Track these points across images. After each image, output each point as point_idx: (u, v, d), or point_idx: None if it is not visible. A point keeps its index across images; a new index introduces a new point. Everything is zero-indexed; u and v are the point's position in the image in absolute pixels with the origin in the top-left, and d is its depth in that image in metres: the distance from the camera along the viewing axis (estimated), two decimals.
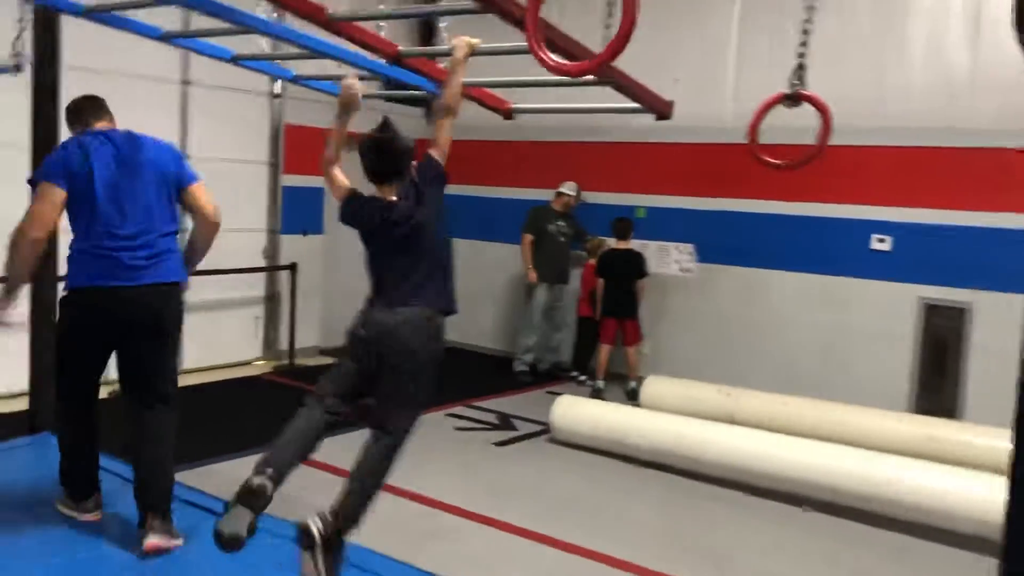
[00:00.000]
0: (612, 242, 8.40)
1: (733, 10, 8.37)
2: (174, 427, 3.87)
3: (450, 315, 3.69)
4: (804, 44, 3.91)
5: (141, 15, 4.37)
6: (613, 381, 8.26)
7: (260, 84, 8.50)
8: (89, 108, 3.89)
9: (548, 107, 5.80)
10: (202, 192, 3.93)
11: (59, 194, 3.55)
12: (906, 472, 5.15)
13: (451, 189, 10.64)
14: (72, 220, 3.65)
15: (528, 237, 8.70)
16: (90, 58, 6.28)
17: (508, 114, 4.59)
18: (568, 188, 8.80)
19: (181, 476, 5.24)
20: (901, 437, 6.00)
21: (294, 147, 8.89)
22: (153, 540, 3.67)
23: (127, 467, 4.05)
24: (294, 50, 4.24)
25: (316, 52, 4.01)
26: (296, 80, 4.73)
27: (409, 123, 10.17)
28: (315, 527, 3.18)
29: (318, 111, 8.76)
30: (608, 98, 4.24)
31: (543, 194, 9.04)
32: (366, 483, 3.50)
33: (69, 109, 3.94)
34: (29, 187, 3.66)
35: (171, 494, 3.81)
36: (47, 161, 3.70)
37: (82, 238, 3.61)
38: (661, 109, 4.19)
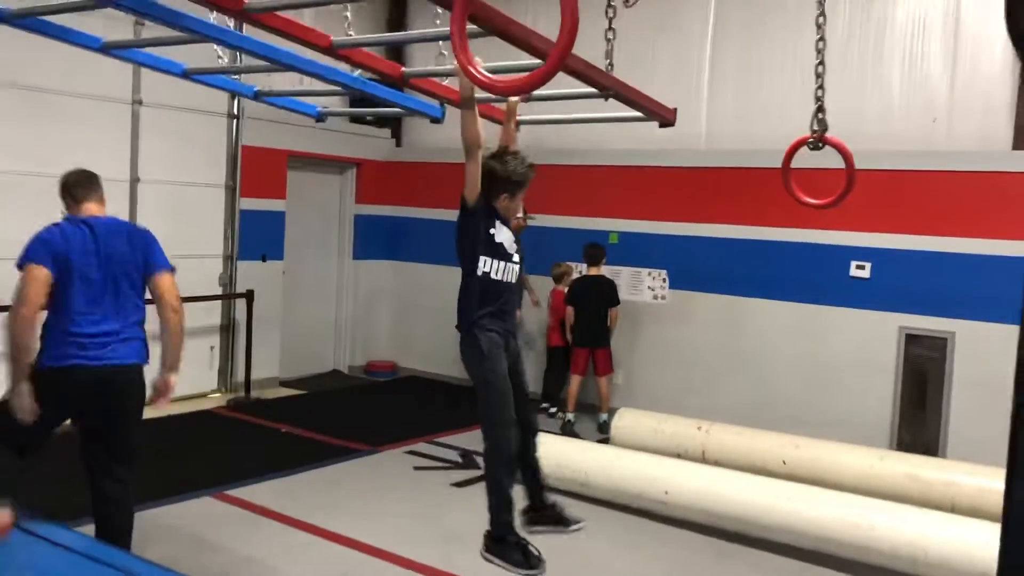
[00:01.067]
0: (582, 268, 8.08)
1: (706, 33, 8.14)
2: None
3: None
4: (821, 87, 3.94)
5: (86, 24, 3.93)
6: (583, 413, 7.94)
7: (217, 104, 8.19)
8: (81, 185, 4.05)
9: (548, 119, 5.54)
10: (165, 282, 4.11)
11: (45, 274, 3.79)
12: (882, 516, 4.81)
13: (420, 212, 10.38)
14: (49, 300, 3.85)
15: None
16: (23, 73, 5.94)
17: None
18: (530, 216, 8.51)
19: None
20: (881, 476, 5.67)
21: (252, 169, 8.56)
22: None
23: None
24: (256, 62, 3.86)
25: (279, 64, 3.64)
26: (258, 97, 4.36)
27: (377, 143, 9.94)
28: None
29: (278, 132, 8.50)
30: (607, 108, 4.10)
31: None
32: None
33: (62, 183, 4.07)
34: (16, 269, 3.82)
35: None
36: (32, 245, 3.85)
37: (55, 320, 3.87)
38: (664, 116, 4.08)
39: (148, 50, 4.16)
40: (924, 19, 7.13)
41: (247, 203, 8.56)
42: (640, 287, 8.31)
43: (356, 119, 9.56)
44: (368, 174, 9.94)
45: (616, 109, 4.08)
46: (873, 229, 7.16)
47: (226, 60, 4.41)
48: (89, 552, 3.82)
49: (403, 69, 3.91)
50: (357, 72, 3.93)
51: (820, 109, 3.94)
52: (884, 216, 7.11)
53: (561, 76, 3.26)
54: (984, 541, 4.23)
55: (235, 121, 8.45)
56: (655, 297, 8.23)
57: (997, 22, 6.81)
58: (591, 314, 7.88)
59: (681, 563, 4.99)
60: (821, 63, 3.97)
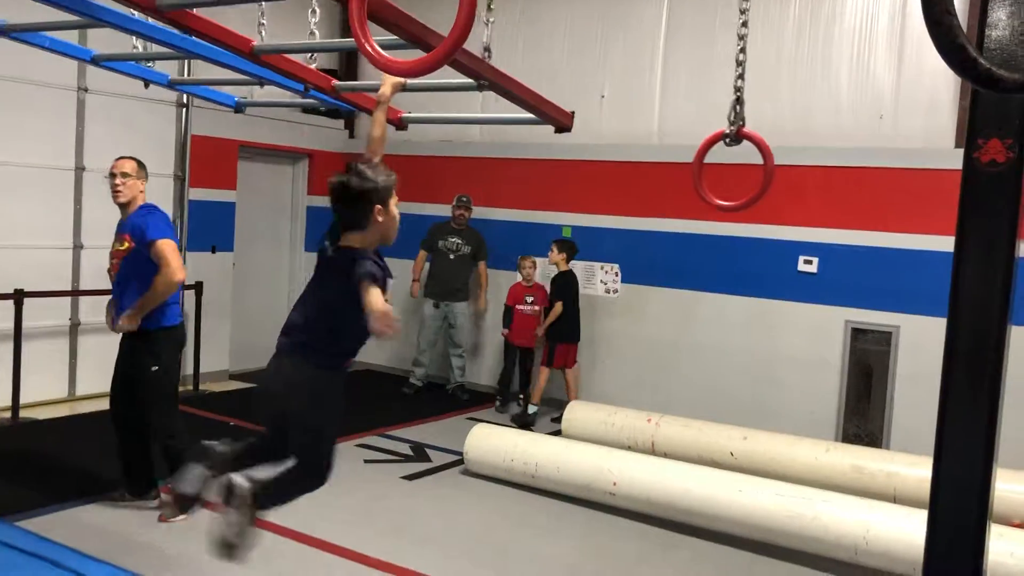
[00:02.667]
0: (561, 262, 7.93)
1: (659, 28, 8.18)
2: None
3: None
4: (741, 77, 3.62)
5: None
6: (546, 406, 7.95)
7: (165, 92, 8.00)
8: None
9: (441, 117, 5.42)
10: (162, 249, 4.73)
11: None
12: (826, 506, 4.89)
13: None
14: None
15: (421, 253, 8.66)
16: None
17: (400, 124, 4.24)
18: (462, 201, 8.56)
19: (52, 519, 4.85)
20: (827, 467, 5.77)
21: (202, 160, 8.42)
22: None
23: None
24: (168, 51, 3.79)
25: (185, 52, 3.59)
26: (172, 85, 4.29)
27: (330, 135, 9.83)
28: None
29: (228, 122, 8.37)
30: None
31: (485, 212, 8.76)
32: None
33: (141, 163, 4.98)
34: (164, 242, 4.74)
35: None
36: (167, 222, 4.93)
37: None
38: (560, 120, 3.85)
39: (55, 34, 4.06)
40: (872, 18, 7.24)
41: (196, 193, 8.43)
42: (593, 281, 8.34)
43: (309, 110, 9.45)
44: (321, 165, 9.84)
45: (515, 109, 3.91)
46: (821, 224, 7.27)
47: (140, 48, 4.28)
48: (33, 551, 3.76)
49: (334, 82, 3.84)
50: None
51: (739, 101, 3.65)
52: (832, 211, 7.23)
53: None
54: (924, 530, 4.32)
55: (184, 110, 8.31)
56: (607, 291, 8.28)
57: None
58: (576, 309, 7.96)
59: (630, 554, 5.02)
60: (743, 51, 3.70)
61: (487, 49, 3.33)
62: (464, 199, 8.53)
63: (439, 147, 9.26)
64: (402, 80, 3.39)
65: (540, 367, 7.97)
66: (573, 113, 3.98)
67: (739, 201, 3.98)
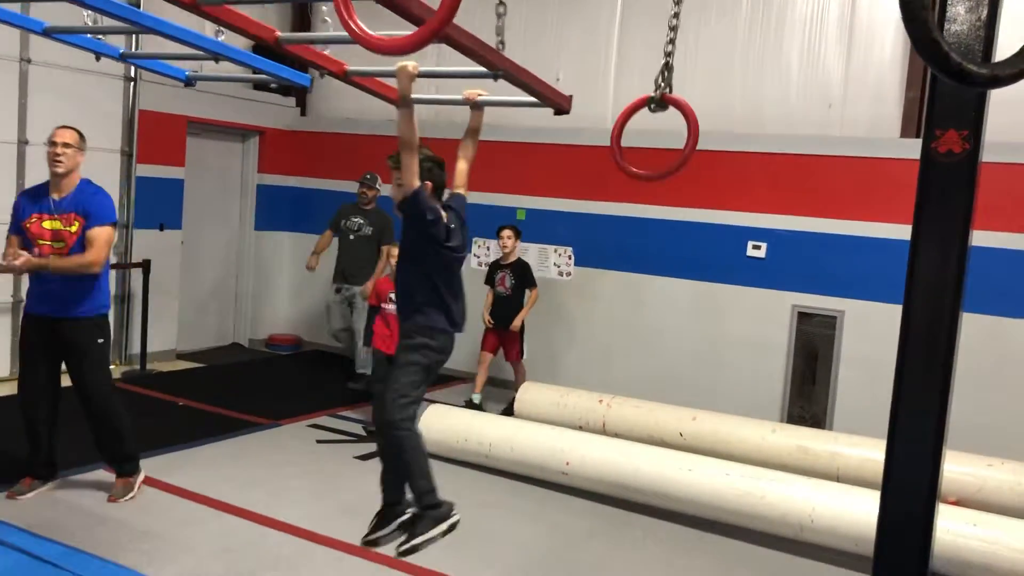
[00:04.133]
0: (490, 245, 7.96)
1: (615, 10, 8.22)
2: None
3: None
4: (671, 42, 3.63)
5: None
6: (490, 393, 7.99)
7: (112, 65, 7.82)
8: None
9: (439, 99, 5.41)
10: (102, 237, 4.71)
11: None
12: (772, 485, 5.02)
13: (325, 184, 10.14)
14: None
15: (326, 232, 8.25)
16: None
17: (345, 76, 4.20)
18: (365, 180, 8.14)
19: None
20: (773, 447, 5.92)
21: (150, 135, 8.26)
22: None
23: None
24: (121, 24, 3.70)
25: (138, 26, 3.51)
26: (124, 58, 4.19)
27: (281, 112, 9.69)
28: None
29: (177, 97, 8.23)
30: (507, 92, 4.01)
31: None
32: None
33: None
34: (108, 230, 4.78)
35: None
36: (113, 207, 4.93)
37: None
38: (559, 103, 3.98)
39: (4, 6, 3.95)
40: (822, 7, 7.37)
41: (144, 170, 8.26)
42: (547, 264, 8.39)
43: (260, 86, 9.32)
44: (271, 143, 9.72)
45: (513, 92, 3.98)
46: (770, 210, 7.41)
47: (91, 21, 4.19)
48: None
49: (278, 34, 3.68)
50: (221, 36, 3.80)
51: (667, 67, 3.66)
52: (780, 198, 7.37)
53: (456, 55, 3.26)
54: (866, 508, 4.47)
55: (132, 84, 8.13)
56: (560, 274, 8.34)
57: (890, 12, 7.10)
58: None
59: (582, 531, 5.10)
60: (675, 16, 3.71)
61: (501, 42, 3.55)
62: (368, 177, 8.10)
63: (386, 127, 9.20)
64: (414, 68, 3.41)
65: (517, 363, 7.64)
66: (571, 96, 4.08)
67: (657, 171, 3.97)
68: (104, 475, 5.34)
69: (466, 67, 3.49)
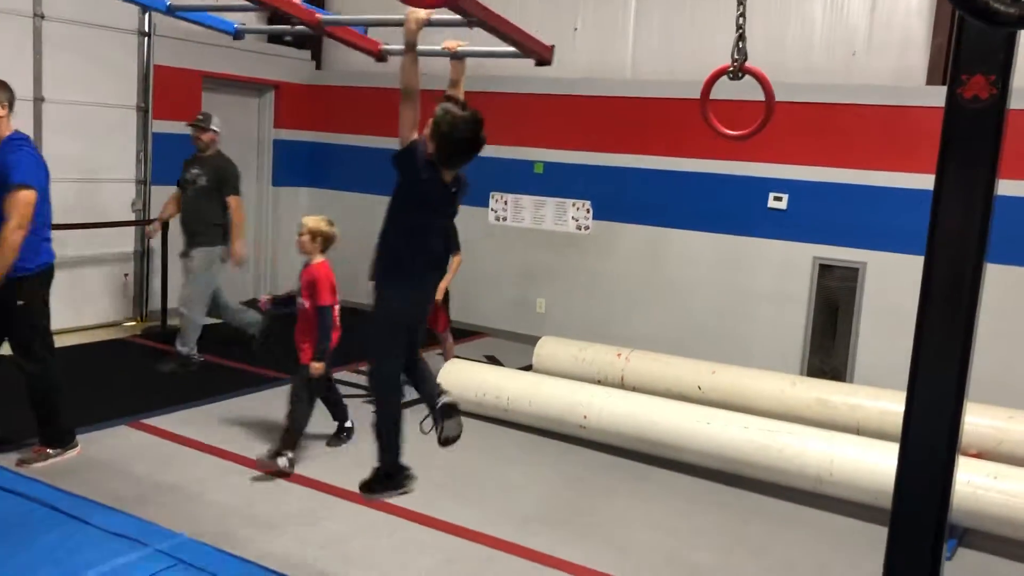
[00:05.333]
0: None
1: None
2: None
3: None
4: (742, 15, 3.70)
5: None
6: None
7: (126, 20, 7.81)
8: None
9: (422, 50, 5.24)
10: (21, 199, 4.40)
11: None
12: (791, 438, 5.00)
13: (342, 138, 10.07)
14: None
15: (174, 191, 7.12)
16: None
17: (380, 56, 4.16)
18: (197, 121, 6.86)
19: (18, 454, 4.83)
20: (792, 400, 5.89)
21: (165, 90, 8.22)
22: None
23: None
24: None
25: None
26: (171, 11, 4.09)
27: (296, 65, 9.61)
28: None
29: (191, 52, 8.19)
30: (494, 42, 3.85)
31: None
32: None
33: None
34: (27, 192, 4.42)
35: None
36: (38, 163, 4.59)
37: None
38: (540, 54, 3.82)
39: None
40: None
41: (160, 126, 8.24)
42: (564, 218, 8.34)
43: (274, 39, 9.24)
44: (287, 97, 9.65)
45: (495, 42, 3.77)
46: (791, 161, 7.30)
47: None
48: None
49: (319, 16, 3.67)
50: None
51: (741, 38, 3.75)
52: (803, 148, 7.25)
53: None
54: (885, 461, 4.45)
55: (146, 39, 8.07)
56: (579, 228, 8.28)
57: None
58: None
59: (599, 486, 5.12)
60: None
61: None
62: (200, 117, 6.85)
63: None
64: (426, 15, 3.26)
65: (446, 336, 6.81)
66: (553, 47, 3.94)
67: (744, 131, 4.13)
68: (127, 430, 5.42)
69: (438, 15, 3.30)
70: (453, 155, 3.37)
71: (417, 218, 3.47)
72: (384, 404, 3.68)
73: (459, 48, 3.79)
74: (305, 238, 5.25)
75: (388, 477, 3.72)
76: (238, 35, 4.48)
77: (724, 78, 3.80)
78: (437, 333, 6.71)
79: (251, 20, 8.09)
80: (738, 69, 3.78)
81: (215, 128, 6.82)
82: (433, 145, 3.33)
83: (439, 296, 6.37)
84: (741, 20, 3.66)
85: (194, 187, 6.78)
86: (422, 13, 3.24)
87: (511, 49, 3.75)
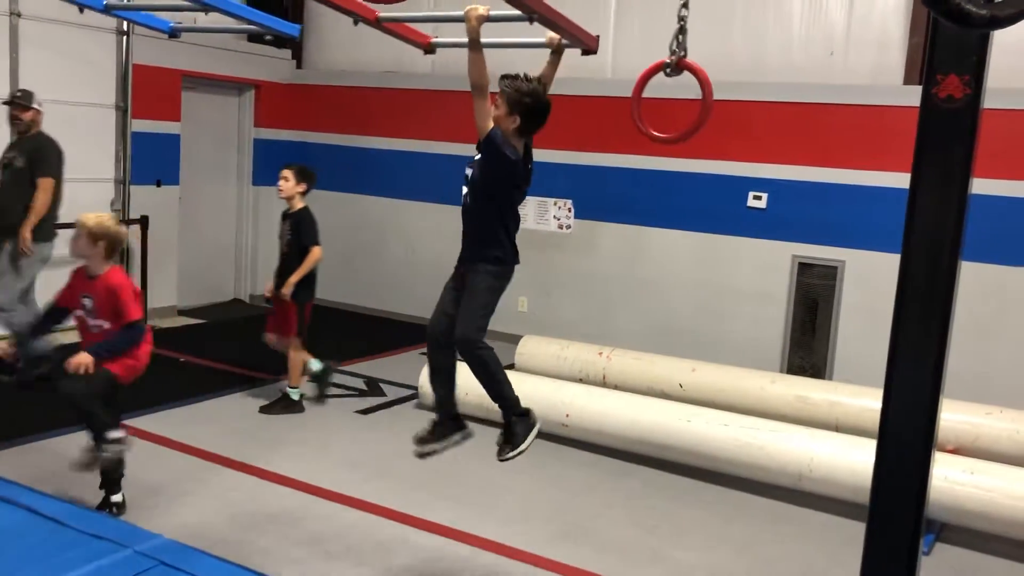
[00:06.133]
0: (299, 198, 6.01)
1: None
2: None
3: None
4: (685, 5, 3.63)
5: None
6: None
7: (104, 19, 7.69)
8: None
9: (503, 42, 5.28)
10: None
11: None
12: (772, 435, 5.04)
13: (322, 137, 10.03)
14: None
15: None
16: None
17: (429, 48, 4.24)
18: (15, 98, 6.23)
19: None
20: (772, 398, 5.93)
21: (144, 89, 8.17)
22: None
23: None
24: None
25: None
26: (108, 11, 4.09)
27: (276, 64, 9.56)
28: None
29: (170, 51, 8.13)
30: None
31: (427, 146, 8.68)
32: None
33: None
34: None
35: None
36: None
37: None
38: (588, 43, 3.97)
39: None
40: None
41: (139, 125, 8.19)
42: (546, 217, 8.35)
43: (254, 38, 9.20)
44: (267, 96, 9.62)
45: (538, 34, 3.94)
46: (771, 160, 7.34)
47: None
48: None
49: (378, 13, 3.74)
50: None
51: (682, 31, 3.65)
52: (782, 147, 7.30)
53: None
54: (863, 457, 4.48)
55: (125, 38, 8.01)
56: (561, 227, 8.28)
57: None
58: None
59: (581, 483, 5.14)
60: None
61: None
62: (17, 94, 6.25)
63: (381, 79, 9.11)
64: (485, 11, 3.39)
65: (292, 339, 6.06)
66: (599, 36, 4.11)
67: (674, 133, 3.98)
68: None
69: (497, 11, 3.47)
70: (537, 121, 3.54)
71: (510, 197, 3.65)
72: (490, 357, 3.77)
73: (555, 40, 3.88)
74: (83, 242, 4.11)
75: (524, 415, 3.87)
76: (174, 33, 4.48)
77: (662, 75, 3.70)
78: (283, 337, 6.01)
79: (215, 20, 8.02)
80: (676, 64, 3.70)
81: (36, 106, 6.12)
82: (515, 118, 3.46)
83: (287, 291, 5.82)
84: (684, 11, 3.58)
85: (11, 168, 6.07)
86: (481, 9, 3.35)
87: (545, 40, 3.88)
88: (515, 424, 3.87)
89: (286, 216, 6.02)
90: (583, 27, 8.37)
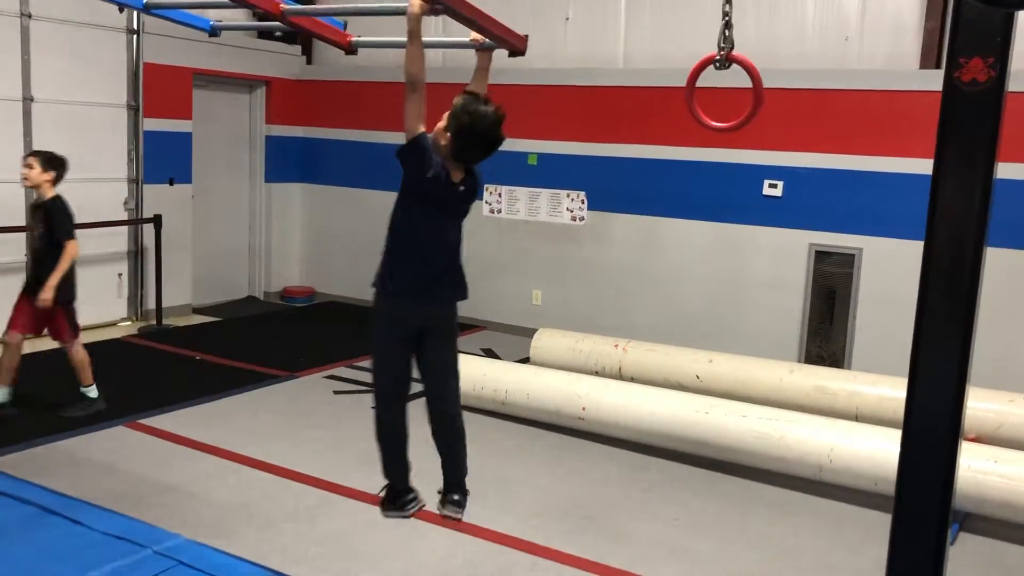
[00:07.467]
0: (48, 185, 5.42)
1: None
2: None
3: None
4: (728, 2, 3.59)
5: None
6: None
7: (114, 18, 7.76)
8: None
9: (390, 41, 5.08)
10: None
11: None
12: (790, 426, 4.99)
13: (334, 133, 10.01)
14: None
15: None
16: None
17: (349, 48, 4.08)
18: None
19: (16, 458, 4.80)
20: (791, 388, 5.88)
21: (156, 88, 8.17)
22: None
23: None
24: None
25: None
26: (147, 9, 4.04)
27: (286, 61, 9.55)
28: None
29: (181, 49, 8.15)
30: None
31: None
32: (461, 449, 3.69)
33: None
34: None
35: None
36: None
37: None
38: (514, 44, 3.69)
39: None
40: None
41: (151, 124, 8.20)
42: (559, 209, 8.31)
43: (264, 35, 9.20)
44: (278, 93, 9.61)
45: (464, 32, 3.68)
46: (786, 148, 7.27)
47: None
48: None
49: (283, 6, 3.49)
50: None
51: (727, 25, 3.63)
52: (797, 135, 7.23)
53: None
54: (885, 447, 4.45)
55: (135, 37, 8.02)
56: (574, 218, 8.25)
57: None
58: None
59: (598, 476, 5.11)
60: None
61: None
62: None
63: (393, 74, 9.07)
64: (421, 6, 3.04)
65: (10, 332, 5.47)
66: (527, 37, 3.85)
67: (731, 122, 3.98)
68: (125, 431, 5.40)
69: (401, 2, 3.15)
70: (469, 148, 3.22)
71: (419, 218, 3.25)
72: (376, 421, 3.54)
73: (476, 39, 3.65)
74: None
75: (395, 496, 3.63)
76: (213, 32, 4.43)
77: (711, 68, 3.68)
78: (63, 344, 5.60)
79: (238, 16, 8.01)
80: (725, 58, 3.68)
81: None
82: (449, 136, 3.18)
83: (47, 295, 5.25)
84: (727, 7, 3.56)
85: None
86: (418, 3, 3.11)
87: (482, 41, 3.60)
88: (385, 494, 3.70)
89: (36, 207, 5.46)
90: (594, 18, 8.34)
